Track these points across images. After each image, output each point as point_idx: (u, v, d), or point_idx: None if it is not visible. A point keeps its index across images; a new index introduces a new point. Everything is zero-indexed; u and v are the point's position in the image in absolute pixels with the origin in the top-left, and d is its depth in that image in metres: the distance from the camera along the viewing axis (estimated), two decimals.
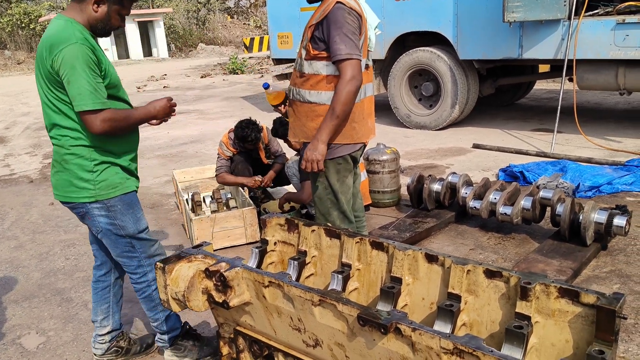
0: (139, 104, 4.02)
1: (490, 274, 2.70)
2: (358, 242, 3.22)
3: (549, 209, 5.54)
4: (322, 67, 3.59)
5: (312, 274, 3.49)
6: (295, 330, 2.81)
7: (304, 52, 3.78)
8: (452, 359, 2.15)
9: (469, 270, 2.76)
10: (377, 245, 3.15)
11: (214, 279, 2.89)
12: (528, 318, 2.52)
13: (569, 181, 7.09)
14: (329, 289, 3.17)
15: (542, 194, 5.62)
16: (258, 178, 6.59)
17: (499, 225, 6.00)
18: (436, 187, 6.23)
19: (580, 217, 5.23)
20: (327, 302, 2.52)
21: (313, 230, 3.42)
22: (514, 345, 2.48)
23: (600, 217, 5.20)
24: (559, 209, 5.36)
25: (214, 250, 3.38)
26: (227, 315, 3.21)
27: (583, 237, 5.19)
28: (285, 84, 9.12)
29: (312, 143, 3.66)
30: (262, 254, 3.59)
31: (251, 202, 6.38)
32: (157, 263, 2.99)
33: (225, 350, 3.43)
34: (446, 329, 2.69)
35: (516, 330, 2.47)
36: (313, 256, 3.47)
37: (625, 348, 3.91)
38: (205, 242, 3.25)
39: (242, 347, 3.29)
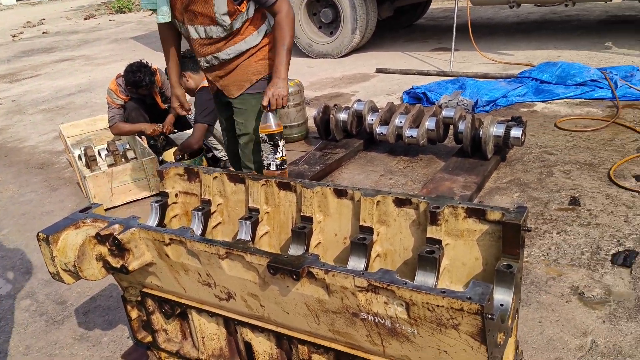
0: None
1: (400, 202, 2.65)
2: (264, 184, 3.05)
3: (451, 127, 5.64)
4: (245, 15, 3.59)
5: (219, 223, 3.31)
6: (205, 285, 2.65)
7: (222, 17, 3.52)
8: (368, 296, 2.09)
9: (378, 201, 2.69)
10: (285, 186, 3.00)
11: (107, 243, 2.63)
12: (439, 242, 2.51)
13: (468, 98, 7.25)
14: (237, 237, 3.01)
15: (444, 113, 5.68)
16: (158, 127, 6.14)
17: (406, 148, 6.05)
18: (342, 116, 6.14)
19: (481, 132, 5.36)
20: (235, 254, 2.36)
21: (215, 177, 3.20)
22: (427, 270, 2.47)
23: (498, 130, 5.36)
24: (461, 126, 5.46)
25: (116, 208, 3.06)
26: (130, 278, 2.98)
27: (484, 152, 5.35)
28: None
29: (273, 81, 3.63)
30: (163, 208, 3.34)
31: (151, 151, 5.97)
32: (40, 234, 2.66)
33: (134, 314, 3.22)
34: (360, 263, 2.64)
35: (428, 256, 2.45)
36: (218, 204, 3.27)
37: (528, 253, 4.13)
38: (94, 203, 2.94)
39: (152, 309, 3.10)
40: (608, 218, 4.40)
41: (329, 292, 2.19)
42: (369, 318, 2.16)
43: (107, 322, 3.98)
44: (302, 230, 2.82)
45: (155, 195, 5.64)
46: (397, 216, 2.68)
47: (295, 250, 2.84)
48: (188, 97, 5.43)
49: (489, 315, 1.88)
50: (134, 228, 2.62)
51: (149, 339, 3.26)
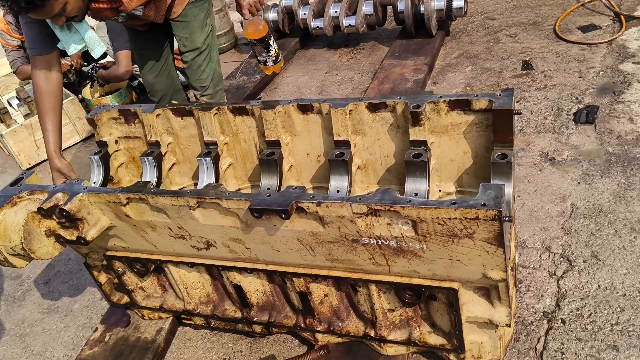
0: None
1: (374, 107, 2.39)
2: (217, 112, 2.69)
3: (390, 8, 5.27)
4: None
5: (173, 165, 2.97)
6: (179, 238, 2.38)
7: None
8: (369, 220, 1.89)
9: (350, 111, 2.42)
10: (240, 111, 2.66)
11: (54, 216, 2.28)
12: (424, 143, 2.31)
13: None
14: (200, 177, 2.70)
15: None
16: (66, 61, 5.45)
17: (346, 38, 5.67)
18: (272, 15, 5.62)
19: (422, 9, 5.05)
20: (208, 202, 2.08)
21: (159, 115, 2.81)
22: (417, 176, 2.29)
23: (440, 3, 5.05)
24: (400, 5, 5.10)
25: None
26: (89, 245, 2.66)
27: (428, 29, 5.07)
28: None
29: None
30: (105, 159, 2.95)
31: (68, 91, 5.33)
32: None
33: (102, 278, 2.94)
34: (343, 181, 2.42)
35: (416, 161, 2.26)
36: (168, 144, 2.91)
37: None
38: (25, 171, 2.52)
39: (122, 270, 2.82)
40: (562, 77, 4.33)
41: (323, 224, 1.97)
42: (371, 242, 1.98)
43: (72, 287, 3.68)
44: (271, 157, 2.54)
45: (90, 137, 5.14)
46: (373, 123, 2.43)
47: (267, 181, 2.58)
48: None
49: (506, 218, 1.73)
50: (81, 194, 2.27)
51: (126, 299, 3.02)
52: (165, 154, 2.89)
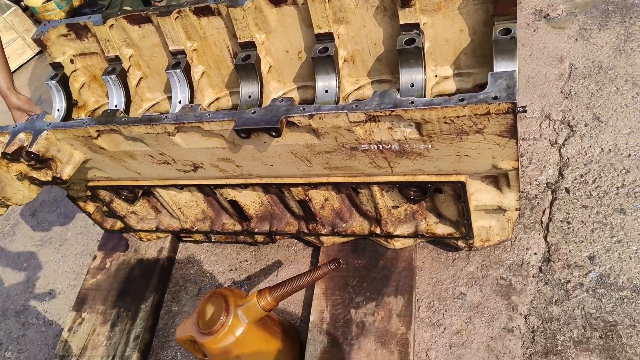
0: None
1: None
2: (178, 16, 2.38)
3: None
4: None
5: (141, 79, 2.69)
6: (163, 164, 2.21)
7: None
8: (367, 127, 1.73)
9: None
10: (204, 11, 2.35)
11: (22, 160, 2.08)
12: (416, 26, 2.06)
13: None
14: (173, 94, 2.46)
15: None
16: None
17: None
18: None
19: None
20: (188, 127, 1.88)
21: (112, 26, 2.48)
22: (411, 65, 2.08)
23: None
24: None
25: None
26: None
27: None
28: None
29: None
30: (64, 82, 2.66)
31: (9, 2, 4.78)
32: None
33: (90, 207, 2.80)
34: (330, 80, 2.21)
35: (409, 47, 2.03)
36: (130, 57, 2.61)
37: None
38: None
39: (109, 198, 2.68)
40: None
41: (318, 136, 1.80)
42: (372, 147, 1.83)
43: (61, 215, 3.57)
44: (248, 62, 2.29)
45: (42, 53, 4.74)
46: (356, 8, 2.16)
47: (247, 88, 2.35)
48: None
49: (520, 109, 1.57)
50: (46, 132, 2.04)
51: (120, 225, 2.92)
52: (129, 69, 2.61)
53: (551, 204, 2.60)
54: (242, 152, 1.99)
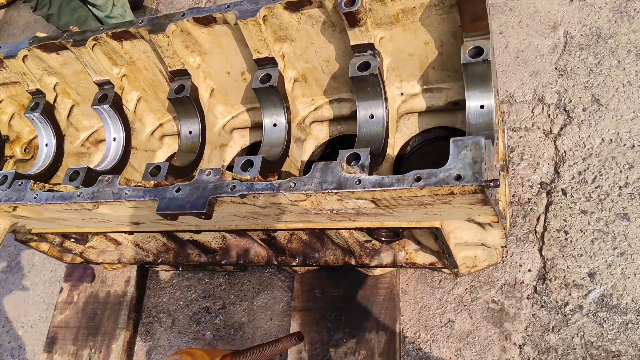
0: None
1: (294, 5, 1.73)
2: (95, 43, 2.02)
3: None
4: None
5: (72, 107, 2.36)
6: (100, 222, 1.95)
7: None
8: (315, 199, 1.44)
9: (265, 17, 1.76)
10: (124, 35, 1.99)
11: None
12: (370, 46, 1.70)
13: None
14: (106, 133, 2.15)
15: None
16: None
17: None
18: None
19: None
20: (106, 204, 1.60)
21: (25, 57, 2.14)
22: (368, 93, 1.75)
23: None
24: None
25: None
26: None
27: None
28: None
29: None
30: None
31: None
32: None
33: (44, 246, 2.57)
34: (279, 114, 1.88)
35: (364, 74, 1.69)
36: (55, 85, 2.27)
37: None
38: None
39: (59, 241, 2.45)
40: None
41: (260, 207, 1.52)
42: (324, 212, 1.55)
43: (14, 255, 3.34)
44: (182, 94, 1.96)
45: None
46: (300, 24, 1.79)
47: (187, 124, 2.03)
48: None
49: (491, 184, 1.27)
50: None
51: (80, 260, 2.70)
52: (55, 99, 2.29)
53: (546, 209, 2.32)
54: (181, 218, 1.71)
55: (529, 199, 2.37)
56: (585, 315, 2.09)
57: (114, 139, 2.13)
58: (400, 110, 1.93)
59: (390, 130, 1.78)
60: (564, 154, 2.40)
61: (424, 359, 2.21)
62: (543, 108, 2.54)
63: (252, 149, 2.24)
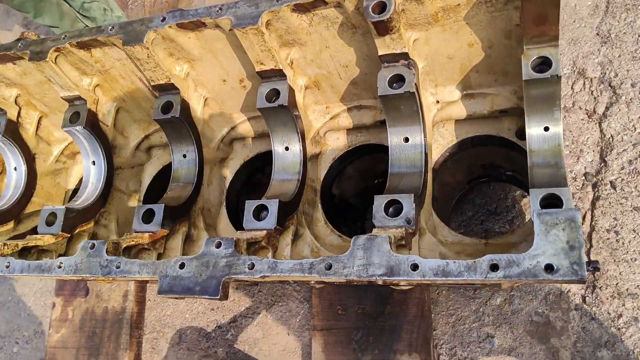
0: None
1: (304, 7, 1.36)
2: (58, 54, 1.65)
3: None
4: None
5: (41, 118, 2.00)
6: None
7: None
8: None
9: (267, 23, 1.39)
10: (92, 44, 1.61)
11: None
12: (403, 56, 1.36)
13: None
14: (83, 156, 1.81)
15: None
16: None
17: None
18: None
19: None
20: (99, 280, 1.31)
21: None
22: (402, 115, 1.42)
23: None
24: None
25: None
26: None
27: None
28: None
29: None
30: None
31: None
32: None
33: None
34: (291, 134, 1.55)
35: (396, 93, 1.36)
36: (17, 97, 1.90)
37: None
38: None
39: None
40: None
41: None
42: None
43: None
44: (169, 114, 1.61)
45: None
46: (312, 27, 1.43)
47: (179, 146, 1.70)
48: None
49: (591, 269, 0.99)
50: None
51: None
52: (19, 113, 1.93)
53: (593, 205, 2.06)
54: None
55: (572, 193, 2.10)
56: None
57: (93, 163, 1.80)
58: (435, 119, 1.61)
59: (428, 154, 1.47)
60: (610, 139, 2.11)
61: None
62: (584, 83, 2.21)
63: (256, 161, 1.92)
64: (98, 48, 1.64)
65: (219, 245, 1.19)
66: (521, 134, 1.59)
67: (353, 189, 2.07)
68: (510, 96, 1.52)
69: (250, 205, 1.39)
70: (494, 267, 0.97)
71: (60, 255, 1.67)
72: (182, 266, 1.20)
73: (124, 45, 1.51)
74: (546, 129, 1.31)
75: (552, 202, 1.09)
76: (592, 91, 2.19)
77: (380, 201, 1.27)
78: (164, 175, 1.96)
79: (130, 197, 1.96)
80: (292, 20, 1.40)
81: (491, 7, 1.30)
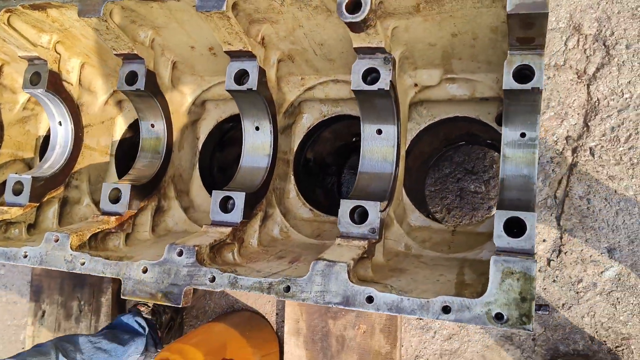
0: None
1: None
2: (11, 15, 1.51)
3: None
4: None
5: (2, 66, 1.89)
6: None
7: None
8: None
9: (234, 5, 1.27)
10: (46, 6, 1.48)
11: None
12: (380, 50, 1.27)
13: None
14: (50, 121, 1.74)
15: None
16: None
17: None
18: None
19: None
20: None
21: None
22: (376, 110, 1.36)
23: None
24: None
25: None
26: None
27: None
28: None
29: None
30: None
31: None
32: None
33: None
34: (262, 117, 1.49)
35: (370, 90, 1.29)
36: None
37: None
38: None
39: None
40: None
41: None
42: None
43: None
44: (135, 87, 1.53)
45: None
46: (284, 7, 1.31)
47: (147, 119, 1.63)
48: None
49: (539, 312, 1.01)
50: None
51: None
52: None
53: (570, 171, 2.05)
54: None
55: (551, 157, 2.08)
56: (598, 294, 1.97)
57: (60, 123, 1.74)
58: (413, 100, 1.54)
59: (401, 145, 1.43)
60: (596, 103, 2.05)
61: (426, 329, 2.15)
62: (579, 40, 2.10)
63: (230, 121, 1.86)
64: (54, 9, 1.51)
65: (180, 254, 1.19)
66: (500, 119, 1.54)
67: (329, 149, 2.03)
68: (492, 85, 1.45)
69: (217, 196, 1.37)
70: (446, 309, 0.99)
71: (30, 225, 1.67)
72: (144, 271, 1.21)
73: (79, 15, 1.39)
74: (523, 135, 1.27)
75: (515, 226, 1.09)
76: (585, 49, 2.09)
77: (346, 206, 1.26)
78: (138, 126, 1.90)
79: (102, 153, 1.91)
80: (261, 1, 1.29)
81: (478, 2, 1.19)
